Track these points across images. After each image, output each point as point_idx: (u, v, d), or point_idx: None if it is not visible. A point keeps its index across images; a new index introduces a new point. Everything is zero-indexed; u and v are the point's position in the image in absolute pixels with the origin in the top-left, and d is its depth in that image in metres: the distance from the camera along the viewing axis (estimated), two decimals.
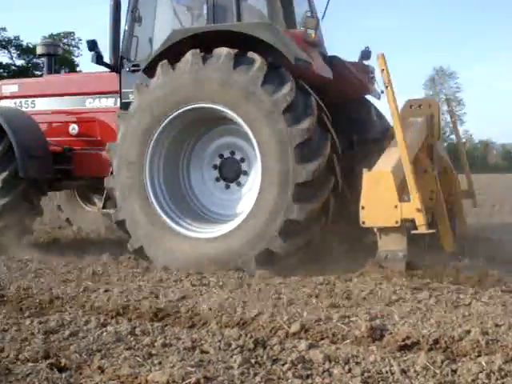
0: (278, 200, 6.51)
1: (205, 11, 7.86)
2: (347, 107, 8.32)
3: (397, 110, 6.37)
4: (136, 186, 7.20)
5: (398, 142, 6.26)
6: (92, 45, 8.53)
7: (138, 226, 7.12)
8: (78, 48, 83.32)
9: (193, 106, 7.06)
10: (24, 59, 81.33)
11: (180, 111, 7.12)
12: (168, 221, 7.10)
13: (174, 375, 3.17)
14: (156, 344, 3.77)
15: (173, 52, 7.13)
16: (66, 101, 9.35)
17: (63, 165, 8.97)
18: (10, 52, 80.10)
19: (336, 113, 7.35)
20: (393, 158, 6.53)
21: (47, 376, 3.25)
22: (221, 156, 7.54)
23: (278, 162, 6.54)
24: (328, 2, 8.55)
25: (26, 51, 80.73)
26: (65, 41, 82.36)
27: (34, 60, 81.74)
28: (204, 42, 7.06)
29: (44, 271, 6.28)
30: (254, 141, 6.76)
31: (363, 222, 6.08)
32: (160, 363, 3.45)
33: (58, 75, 10.74)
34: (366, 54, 9.03)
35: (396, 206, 5.96)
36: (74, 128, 9.25)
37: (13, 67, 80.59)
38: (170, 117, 7.15)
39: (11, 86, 10.02)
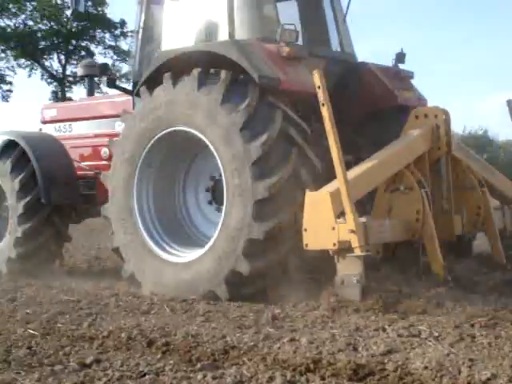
0: (240, 219, 7.57)
1: (202, 28, 9.27)
2: (387, 116, 9.40)
3: (333, 129, 6.94)
4: (125, 213, 8.73)
5: (334, 161, 6.90)
6: (104, 68, 11.18)
7: (128, 253, 8.66)
8: None
9: (169, 130, 8.50)
10: None
11: (160, 135, 8.58)
12: (154, 247, 8.54)
13: None
14: None
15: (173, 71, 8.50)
16: (97, 124, 10.88)
17: (93, 190, 10.45)
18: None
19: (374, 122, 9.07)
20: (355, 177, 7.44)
21: None
22: (212, 178, 8.82)
23: (238, 180, 7.66)
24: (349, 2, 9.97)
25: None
26: None
27: None
28: (198, 62, 8.37)
29: (214, 314, 6.48)
30: (218, 161, 7.97)
31: (306, 245, 6.97)
32: None
33: (90, 98, 11.92)
34: (400, 57, 10.19)
35: (333, 228, 6.78)
36: (105, 152, 10.49)
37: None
38: (152, 141, 8.63)
39: (51, 111, 11.89)
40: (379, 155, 7.99)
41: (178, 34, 9.50)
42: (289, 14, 9.86)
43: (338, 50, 10.03)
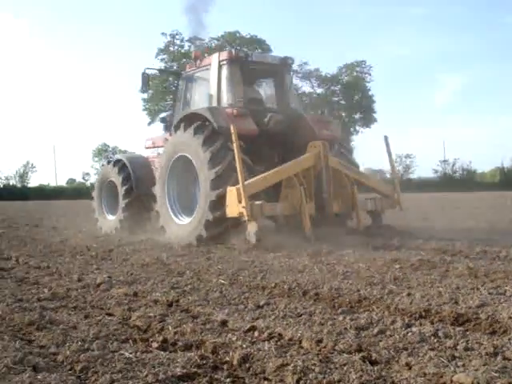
0: (203, 208, 10.53)
1: (206, 98, 12.20)
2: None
3: (239, 156, 9.74)
4: (162, 198, 11.84)
5: (238, 172, 9.69)
6: (161, 120, 14.61)
7: (162, 218, 11.79)
8: (370, 75, 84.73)
9: (180, 154, 11.43)
10: (323, 88, 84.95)
11: (176, 156, 11.58)
12: (172, 215, 11.61)
13: (479, 378, 3.06)
14: (458, 347, 3.67)
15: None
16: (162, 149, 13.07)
17: None
18: (311, 82, 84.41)
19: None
20: (262, 178, 10.33)
21: (361, 367, 3.35)
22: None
23: (204, 188, 10.56)
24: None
25: (325, 80, 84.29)
26: (357, 69, 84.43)
27: (332, 88, 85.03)
28: (197, 117, 11.29)
29: (350, 274, 6.46)
30: (199, 175, 10.83)
31: (227, 213, 9.93)
32: (463, 365, 3.35)
33: (160, 135, 14.54)
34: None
35: (237, 206, 9.64)
36: None
37: (314, 95, 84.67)
38: (172, 159, 11.67)
39: (148, 141, 14.64)
40: (280, 167, 10.68)
41: (196, 101, 12.75)
42: (259, 88, 13.36)
43: (289, 106, 12.67)
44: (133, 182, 13.67)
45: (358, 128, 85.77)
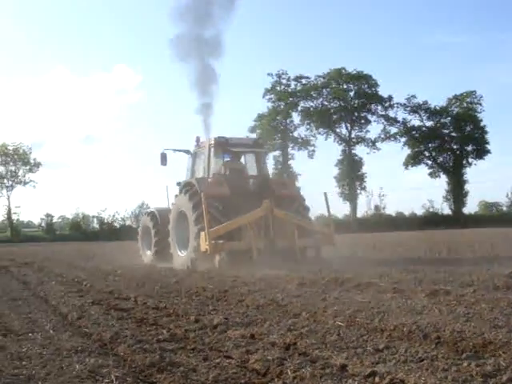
0: (191, 247, 15.72)
1: (201, 169, 17.73)
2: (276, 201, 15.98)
3: (206, 212, 14.66)
4: (173, 241, 17.51)
5: (205, 223, 14.75)
6: (177, 184, 18.46)
7: (173, 254, 17.33)
8: (481, 105, 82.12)
9: (181, 210, 16.84)
10: (432, 120, 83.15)
11: (178, 212, 16.92)
12: (178, 251, 16.92)
13: None
14: None
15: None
16: None
17: None
18: (420, 115, 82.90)
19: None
20: (224, 226, 15.04)
21: None
22: None
23: (192, 226, 15.59)
24: None
25: (434, 113, 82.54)
26: (467, 100, 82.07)
27: (442, 120, 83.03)
28: (193, 185, 16.72)
29: (472, 316, 6.15)
30: (190, 226, 15.88)
31: (201, 249, 14.97)
32: None
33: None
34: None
35: (205, 244, 14.64)
36: None
37: (423, 128, 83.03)
38: (176, 214, 17.07)
39: (172, 200, 18.73)
40: (237, 218, 15.12)
41: (196, 172, 18.08)
42: (243, 160, 18.20)
43: (261, 173, 17.91)
44: (159, 228, 18.77)
45: (470, 160, 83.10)
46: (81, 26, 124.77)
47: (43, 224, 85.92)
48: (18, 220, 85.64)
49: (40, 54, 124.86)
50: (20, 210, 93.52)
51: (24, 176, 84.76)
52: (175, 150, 19.34)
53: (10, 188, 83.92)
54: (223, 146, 17.16)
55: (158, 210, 19.55)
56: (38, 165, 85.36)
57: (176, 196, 17.49)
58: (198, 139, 18.39)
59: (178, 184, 18.08)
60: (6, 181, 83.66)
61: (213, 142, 17.04)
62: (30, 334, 6.17)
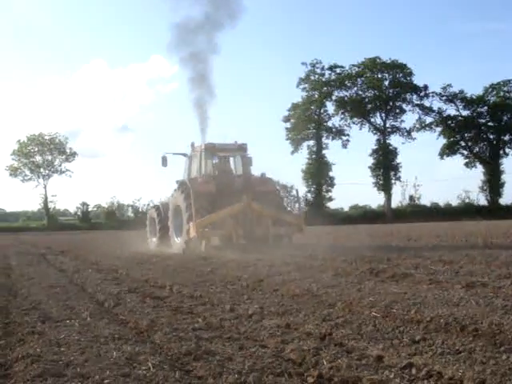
0: (183, 234, 18.78)
1: (196, 169, 20.96)
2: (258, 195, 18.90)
3: (194, 206, 17.92)
4: (172, 230, 20.83)
5: (193, 215, 18.01)
6: (176, 181, 21.01)
7: (171, 241, 20.83)
8: None
9: (177, 204, 20.09)
10: (469, 110, 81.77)
11: (175, 205, 20.26)
12: (175, 238, 20.15)
13: None
14: None
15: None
16: None
17: None
18: (455, 104, 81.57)
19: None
20: (208, 217, 18.10)
21: None
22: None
23: (184, 218, 18.78)
24: None
25: (470, 102, 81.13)
26: (505, 89, 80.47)
27: (478, 110, 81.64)
28: (187, 184, 19.85)
29: (511, 308, 6.04)
30: (183, 216, 19.05)
31: (191, 234, 17.91)
32: None
33: None
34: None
35: (193, 232, 17.60)
36: None
37: (459, 118, 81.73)
38: (174, 207, 20.40)
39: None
40: (220, 211, 18.04)
41: (191, 172, 21.14)
42: (230, 162, 21.31)
43: (245, 172, 20.66)
44: (162, 218, 21.68)
45: (507, 150, 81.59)
46: (119, 18, 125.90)
47: (79, 212, 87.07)
48: (54, 208, 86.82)
49: (78, 46, 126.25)
50: (56, 199, 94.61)
51: (60, 165, 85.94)
52: (174, 154, 22.35)
53: (47, 177, 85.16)
54: (212, 150, 20.52)
55: (162, 203, 23.00)
56: (73, 154, 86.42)
57: (173, 193, 20.59)
58: (192, 144, 21.38)
59: (177, 182, 20.87)
60: (42, 170, 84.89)
61: (203, 147, 20.45)
62: (68, 321, 6.28)
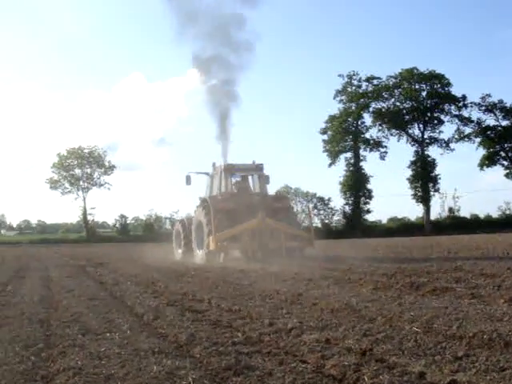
0: (204, 247, 21.07)
1: (216, 187, 22.93)
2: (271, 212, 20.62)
3: (214, 222, 19.73)
4: (195, 243, 22.83)
5: (213, 230, 20.01)
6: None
7: (194, 253, 22.57)
8: None
9: (199, 220, 22.11)
10: (508, 120, 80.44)
11: (198, 220, 22.17)
12: (197, 250, 22.03)
13: None
14: None
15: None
16: None
17: None
18: (495, 114, 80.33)
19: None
20: (226, 232, 20.11)
21: None
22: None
23: (205, 232, 20.90)
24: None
25: (510, 112, 79.81)
26: None
27: None
28: (207, 201, 21.96)
29: None
30: (204, 231, 21.15)
31: (210, 247, 19.97)
32: None
33: None
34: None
35: (213, 245, 19.60)
36: None
37: (499, 128, 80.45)
38: (196, 221, 22.48)
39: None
40: (238, 226, 19.97)
41: (213, 189, 23.05)
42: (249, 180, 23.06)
43: (262, 190, 22.42)
44: (186, 232, 23.44)
45: None
46: (158, 32, 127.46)
47: (117, 225, 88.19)
48: (93, 221, 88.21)
49: (117, 60, 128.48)
50: (95, 211, 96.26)
51: (99, 178, 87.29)
52: (198, 173, 24.37)
53: (86, 190, 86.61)
54: (230, 170, 22.31)
55: (187, 218, 25.08)
56: (112, 167, 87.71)
57: (196, 209, 22.50)
58: (214, 164, 23.33)
59: (200, 198, 22.72)
60: (81, 183, 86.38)
61: (223, 167, 22.36)
62: (108, 334, 6.34)
